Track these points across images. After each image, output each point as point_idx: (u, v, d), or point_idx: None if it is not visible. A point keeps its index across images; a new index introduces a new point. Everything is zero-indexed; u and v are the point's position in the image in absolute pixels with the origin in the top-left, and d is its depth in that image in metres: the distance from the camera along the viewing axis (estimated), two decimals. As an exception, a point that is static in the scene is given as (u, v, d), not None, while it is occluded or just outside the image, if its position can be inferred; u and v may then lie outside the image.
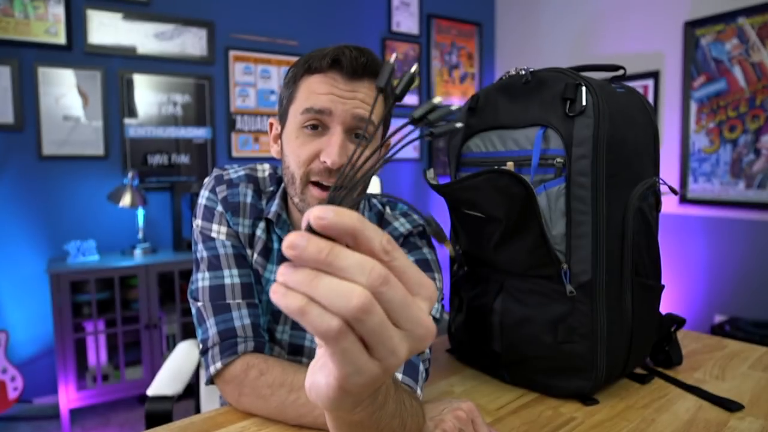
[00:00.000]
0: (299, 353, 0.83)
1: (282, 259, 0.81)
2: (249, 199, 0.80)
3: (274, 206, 0.79)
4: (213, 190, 0.80)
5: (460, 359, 0.93)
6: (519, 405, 0.75)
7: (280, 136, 0.79)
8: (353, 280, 0.28)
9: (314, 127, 0.70)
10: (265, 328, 0.80)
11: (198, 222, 0.79)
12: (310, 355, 0.83)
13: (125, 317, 2.28)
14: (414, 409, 0.55)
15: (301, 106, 0.71)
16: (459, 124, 0.33)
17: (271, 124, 0.82)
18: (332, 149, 0.67)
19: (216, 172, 0.82)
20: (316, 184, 0.71)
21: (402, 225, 0.83)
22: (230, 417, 0.70)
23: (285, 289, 0.28)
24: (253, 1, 2.80)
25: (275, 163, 0.87)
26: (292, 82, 0.74)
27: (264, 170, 0.84)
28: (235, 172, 0.82)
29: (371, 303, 0.27)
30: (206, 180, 0.82)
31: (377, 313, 0.28)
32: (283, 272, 0.28)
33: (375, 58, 0.71)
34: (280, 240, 0.81)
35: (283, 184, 0.82)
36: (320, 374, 0.32)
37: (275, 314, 0.82)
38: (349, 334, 0.28)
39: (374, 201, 0.87)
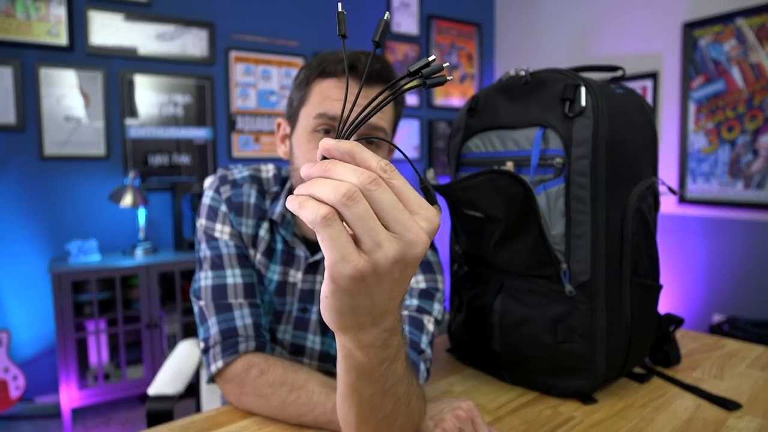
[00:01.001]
0: (301, 353, 0.83)
1: (285, 259, 0.81)
2: (253, 200, 0.80)
3: (279, 207, 0.80)
4: (217, 190, 0.80)
5: (459, 359, 0.94)
6: (518, 404, 0.76)
7: (289, 136, 0.79)
8: (345, 179, 0.33)
9: (327, 131, 0.71)
10: (267, 328, 0.80)
11: (202, 221, 0.80)
12: (312, 355, 0.83)
13: (126, 317, 2.29)
14: (420, 393, 0.56)
15: (314, 110, 0.71)
16: (449, 77, 0.37)
17: (279, 124, 0.82)
18: None
19: (220, 172, 0.83)
20: None
21: None
22: (231, 416, 0.70)
23: (294, 197, 0.34)
24: (254, 1, 2.81)
25: (277, 163, 0.87)
26: (304, 84, 0.74)
27: (268, 171, 0.85)
28: (239, 172, 0.83)
29: (357, 193, 0.32)
30: (210, 180, 0.82)
31: (362, 203, 0.32)
32: (297, 189, 0.34)
33: (389, 64, 0.71)
34: (284, 241, 0.81)
35: (287, 185, 0.82)
36: (323, 285, 0.37)
37: (277, 314, 0.82)
38: (336, 222, 0.32)
39: None
